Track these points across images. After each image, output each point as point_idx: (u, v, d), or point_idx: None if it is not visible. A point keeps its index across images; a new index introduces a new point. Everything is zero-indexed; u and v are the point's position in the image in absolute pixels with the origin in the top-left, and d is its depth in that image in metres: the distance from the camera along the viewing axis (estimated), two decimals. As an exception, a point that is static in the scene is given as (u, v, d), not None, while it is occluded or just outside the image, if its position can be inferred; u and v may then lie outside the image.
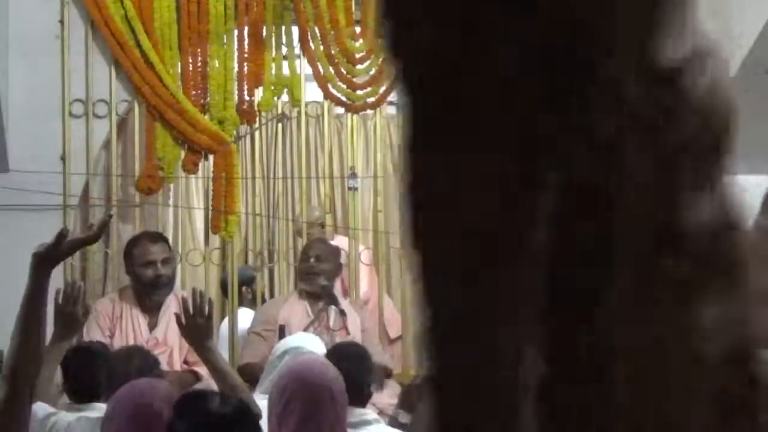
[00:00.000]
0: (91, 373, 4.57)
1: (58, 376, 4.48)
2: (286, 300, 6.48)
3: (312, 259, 6.38)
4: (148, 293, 6.07)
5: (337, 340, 6.14)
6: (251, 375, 5.35)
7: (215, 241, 7.24)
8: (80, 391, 4.48)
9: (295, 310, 6.31)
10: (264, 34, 6.88)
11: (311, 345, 4.78)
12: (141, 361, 4.52)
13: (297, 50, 6.94)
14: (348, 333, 6.28)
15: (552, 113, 0.70)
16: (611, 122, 0.69)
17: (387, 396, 5.99)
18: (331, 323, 6.29)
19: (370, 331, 6.51)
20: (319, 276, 6.37)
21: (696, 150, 0.70)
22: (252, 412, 3.04)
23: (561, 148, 0.70)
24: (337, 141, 8.15)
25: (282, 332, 5.94)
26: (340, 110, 7.35)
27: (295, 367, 3.71)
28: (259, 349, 6.17)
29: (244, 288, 7.48)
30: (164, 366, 5.63)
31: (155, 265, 6.04)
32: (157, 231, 6.56)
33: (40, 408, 4.02)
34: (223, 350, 6.76)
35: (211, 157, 6.84)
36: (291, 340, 5.04)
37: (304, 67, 6.96)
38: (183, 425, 2.89)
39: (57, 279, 6.62)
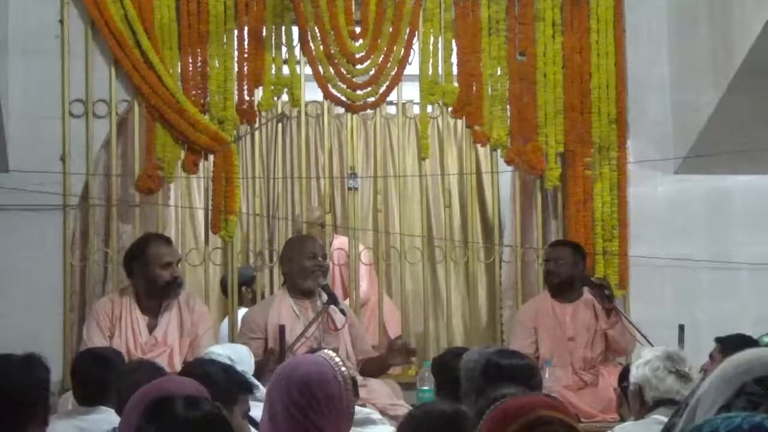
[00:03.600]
0: (102, 378, 4.55)
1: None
2: (271, 303, 6.42)
3: (319, 257, 6.37)
4: (163, 294, 6.06)
5: (330, 338, 6.14)
6: None
7: (215, 241, 7.24)
8: (89, 395, 4.47)
9: (283, 310, 6.28)
10: (264, 34, 6.88)
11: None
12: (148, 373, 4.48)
13: (297, 50, 6.94)
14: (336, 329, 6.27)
15: None
16: None
17: (387, 396, 5.99)
18: (332, 323, 6.27)
19: (356, 325, 6.51)
20: (323, 274, 6.37)
21: None
22: (224, 416, 2.92)
23: None
24: (337, 141, 8.15)
25: (282, 332, 5.93)
26: (340, 110, 7.35)
27: (305, 366, 3.71)
28: None
29: (244, 288, 7.48)
30: (165, 366, 5.62)
31: (172, 266, 6.06)
32: (160, 233, 6.55)
33: None
34: (223, 350, 6.76)
35: (211, 157, 6.84)
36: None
37: (304, 67, 6.96)
38: (149, 430, 2.79)
39: (57, 278, 6.64)
